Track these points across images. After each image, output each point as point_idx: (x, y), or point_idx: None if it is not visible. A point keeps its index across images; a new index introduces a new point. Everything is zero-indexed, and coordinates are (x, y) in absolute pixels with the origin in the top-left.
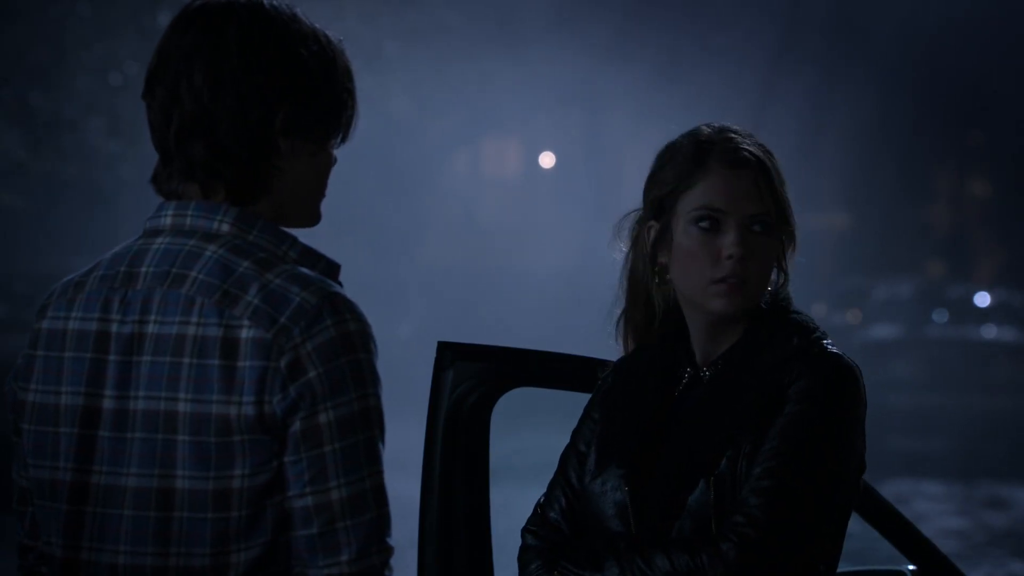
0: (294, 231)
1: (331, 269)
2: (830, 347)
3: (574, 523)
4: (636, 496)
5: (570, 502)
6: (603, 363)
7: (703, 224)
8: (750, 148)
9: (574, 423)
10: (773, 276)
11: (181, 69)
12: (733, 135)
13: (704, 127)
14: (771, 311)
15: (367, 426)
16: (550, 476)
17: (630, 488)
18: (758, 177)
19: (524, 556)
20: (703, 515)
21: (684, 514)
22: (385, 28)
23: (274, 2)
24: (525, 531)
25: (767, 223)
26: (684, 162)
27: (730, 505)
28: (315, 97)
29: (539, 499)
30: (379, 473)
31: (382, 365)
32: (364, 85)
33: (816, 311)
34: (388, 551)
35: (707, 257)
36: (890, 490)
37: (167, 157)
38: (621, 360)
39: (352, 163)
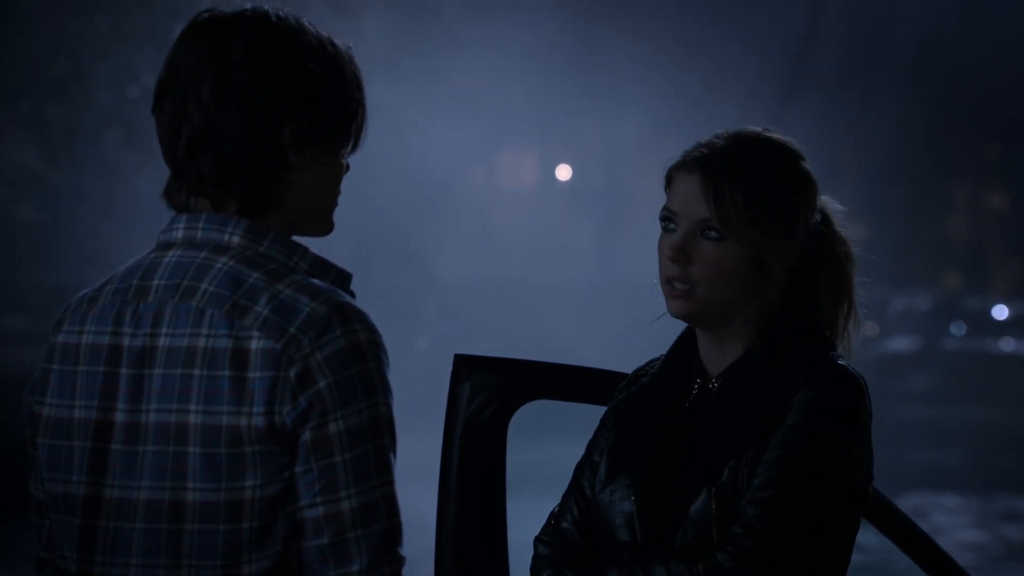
0: (308, 241)
1: (342, 279)
2: (835, 358)
3: (586, 532)
4: (643, 506)
5: (583, 512)
6: (620, 375)
7: (663, 224)
8: (702, 151)
9: (590, 436)
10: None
11: (189, 83)
12: (705, 140)
13: None
14: (780, 322)
15: (377, 435)
16: (566, 488)
17: (637, 498)
18: (703, 180)
19: (536, 565)
20: (705, 525)
21: (687, 524)
22: (403, 41)
23: (280, 13)
24: (538, 540)
25: (717, 231)
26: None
27: (731, 515)
28: (324, 109)
29: (553, 509)
30: (390, 483)
31: (400, 377)
32: (382, 97)
33: None
34: (400, 561)
35: (661, 256)
36: (907, 502)
37: (177, 171)
38: (636, 370)
39: (370, 175)
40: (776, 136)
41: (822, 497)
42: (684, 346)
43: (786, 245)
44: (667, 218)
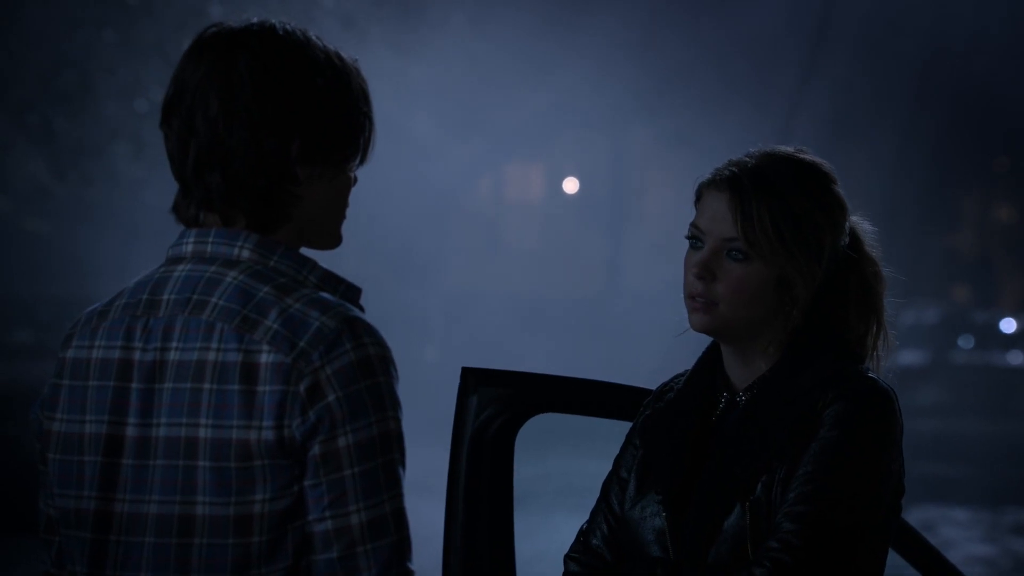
0: (316, 255)
1: (352, 293)
2: (864, 371)
3: (616, 549)
4: (674, 522)
5: (612, 528)
6: (628, 389)
7: (690, 241)
8: (732, 170)
9: (598, 449)
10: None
11: (196, 99)
12: (736, 159)
13: None
14: (807, 336)
15: (387, 450)
16: (574, 502)
17: (668, 514)
18: (731, 199)
19: None
20: (739, 540)
21: (721, 539)
22: (410, 54)
23: (287, 27)
24: (568, 558)
25: (743, 251)
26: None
27: (765, 530)
28: (331, 124)
29: (582, 526)
30: (399, 497)
31: (408, 389)
32: (389, 111)
33: None
34: (409, 574)
35: (686, 273)
36: (917, 516)
37: (186, 187)
38: (661, 386)
39: (378, 189)
40: (808, 157)
41: (856, 511)
42: (709, 361)
43: (812, 267)
44: (694, 235)
